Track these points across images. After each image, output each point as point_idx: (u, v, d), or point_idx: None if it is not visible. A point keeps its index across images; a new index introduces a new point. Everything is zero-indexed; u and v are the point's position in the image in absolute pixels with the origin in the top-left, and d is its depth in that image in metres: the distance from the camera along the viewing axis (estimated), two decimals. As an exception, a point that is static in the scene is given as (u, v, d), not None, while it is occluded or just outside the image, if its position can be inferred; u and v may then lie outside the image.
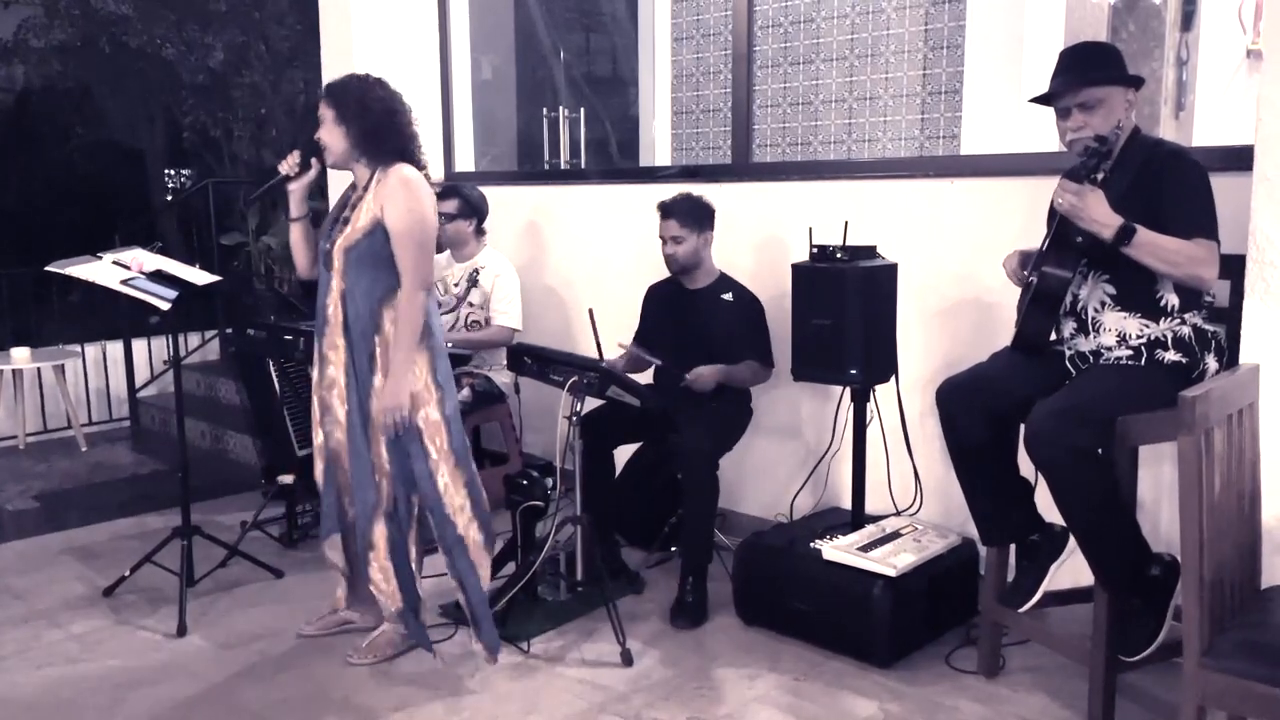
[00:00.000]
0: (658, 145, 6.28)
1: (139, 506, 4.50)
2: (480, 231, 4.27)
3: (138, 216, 10.54)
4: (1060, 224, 2.45)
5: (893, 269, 3.07)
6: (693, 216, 3.37)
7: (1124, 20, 5.47)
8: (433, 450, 2.70)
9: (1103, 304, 2.52)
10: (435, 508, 2.73)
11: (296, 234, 2.87)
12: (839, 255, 2.98)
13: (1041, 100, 2.59)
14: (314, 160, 2.78)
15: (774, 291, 3.53)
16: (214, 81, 9.63)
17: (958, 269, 3.28)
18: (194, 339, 6.26)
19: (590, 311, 3.33)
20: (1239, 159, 2.68)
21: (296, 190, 2.81)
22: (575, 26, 5.96)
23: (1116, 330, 2.50)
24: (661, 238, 3.43)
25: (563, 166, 5.73)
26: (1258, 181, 2.38)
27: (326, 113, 2.72)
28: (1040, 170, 3.03)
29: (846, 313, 2.95)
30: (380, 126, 2.65)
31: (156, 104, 10.84)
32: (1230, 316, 2.56)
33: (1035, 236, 2.76)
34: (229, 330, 5.89)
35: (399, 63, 4.89)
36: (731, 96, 3.95)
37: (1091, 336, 2.54)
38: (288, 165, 2.78)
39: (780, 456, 3.77)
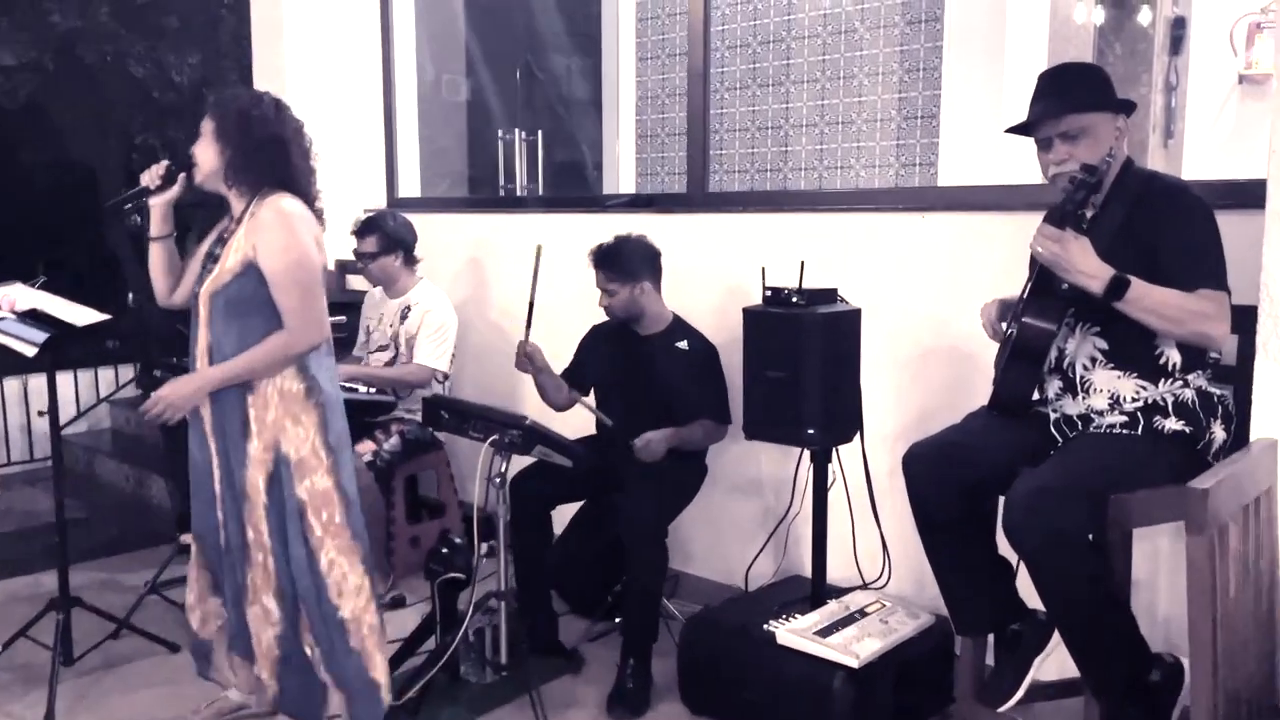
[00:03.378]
0: (621, 170, 5.95)
1: (41, 562, 4.10)
2: (410, 262, 3.92)
3: (84, 237, 10.11)
4: (1042, 270, 2.11)
5: (855, 315, 2.73)
6: (623, 267, 3.04)
7: (1110, 43, 5.18)
8: (316, 526, 2.32)
9: (1093, 360, 2.19)
10: (309, 595, 2.35)
11: (155, 256, 2.47)
12: (795, 299, 2.64)
13: (1020, 130, 2.27)
14: (182, 175, 2.40)
15: (733, 336, 3.17)
16: (182, 101, 9.23)
17: (931, 313, 2.95)
18: (127, 371, 5.87)
19: (538, 248, 3.06)
20: (1243, 195, 2.36)
21: (158, 206, 2.43)
22: (534, 45, 5.64)
23: (1109, 391, 2.17)
24: (598, 287, 3.10)
25: (519, 193, 5.41)
26: (1271, 222, 2.06)
27: (206, 125, 2.36)
28: (1023, 205, 2.71)
29: (803, 365, 2.61)
30: (261, 150, 2.29)
31: (113, 123, 10.45)
32: (1238, 377, 2.23)
33: (1018, 278, 2.43)
34: (140, 366, 5.51)
35: (336, 82, 4.55)
36: (687, 120, 3.63)
37: (1080, 398, 2.20)
38: (150, 177, 2.40)
39: (738, 516, 3.42)
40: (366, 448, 3.62)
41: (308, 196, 2.34)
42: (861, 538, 2.99)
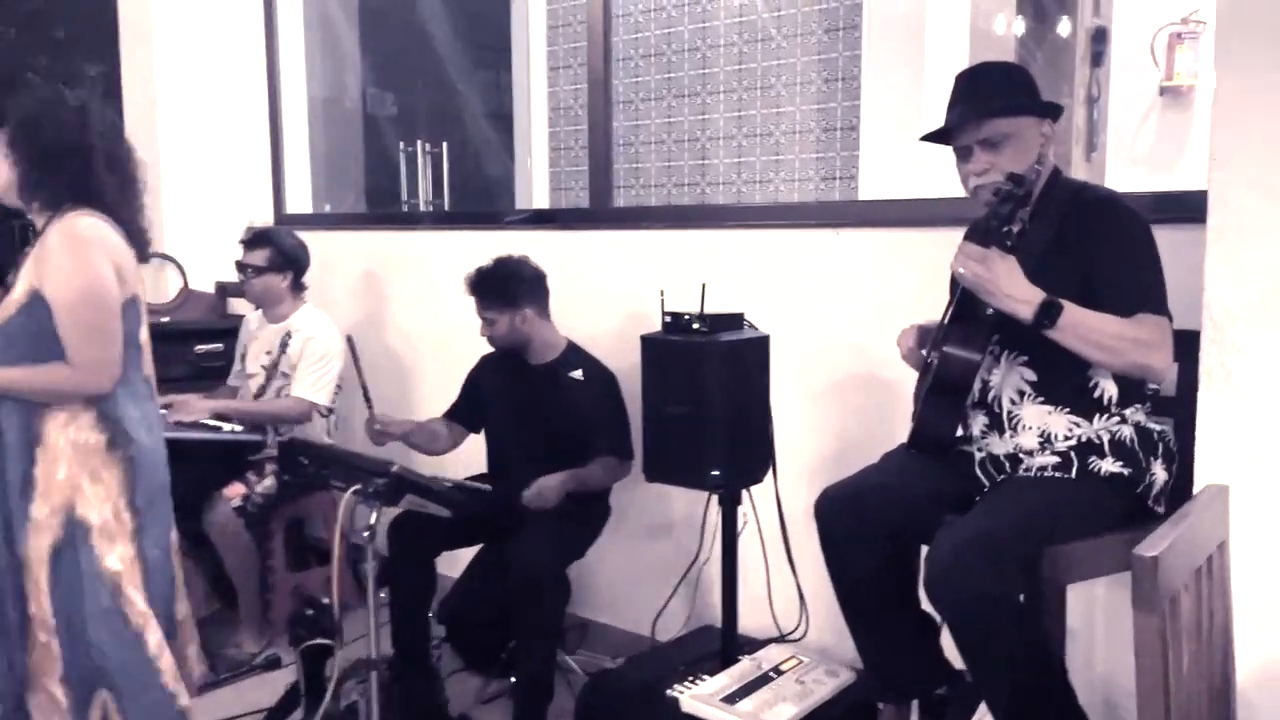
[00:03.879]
0: (535, 184, 5.67)
1: None
2: (298, 287, 3.59)
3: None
4: (964, 293, 1.88)
5: (763, 342, 2.47)
6: (499, 294, 2.76)
7: (1032, 53, 5.06)
8: (138, 600, 1.98)
9: (1020, 394, 1.96)
10: (131, 684, 1.99)
11: None
12: (696, 326, 2.37)
13: (935, 137, 2.04)
14: None
15: (637, 364, 2.90)
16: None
17: (848, 338, 2.71)
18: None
19: (349, 339, 2.81)
20: (1180, 207, 2.16)
21: None
22: (439, 53, 5.33)
23: (1038, 428, 1.94)
24: (477, 315, 2.81)
25: (421, 208, 5.09)
26: (1212, 240, 1.84)
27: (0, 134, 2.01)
28: (945, 220, 2.48)
29: (706, 399, 2.34)
30: (56, 162, 1.94)
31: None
32: (1179, 409, 2.01)
33: (942, 299, 2.20)
34: None
35: (216, 89, 4.19)
36: (589, 132, 3.36)
37: (1007, 435, 1.97)
38: None
39: (647, 560, 3.14)
40: (235, 491, 3.27)
41: (119, 215, 2.00)
42: (777, 585, 2.73)
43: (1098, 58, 5.16)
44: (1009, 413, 1.96)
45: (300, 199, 4.46)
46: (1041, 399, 1.93)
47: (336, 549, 2.33)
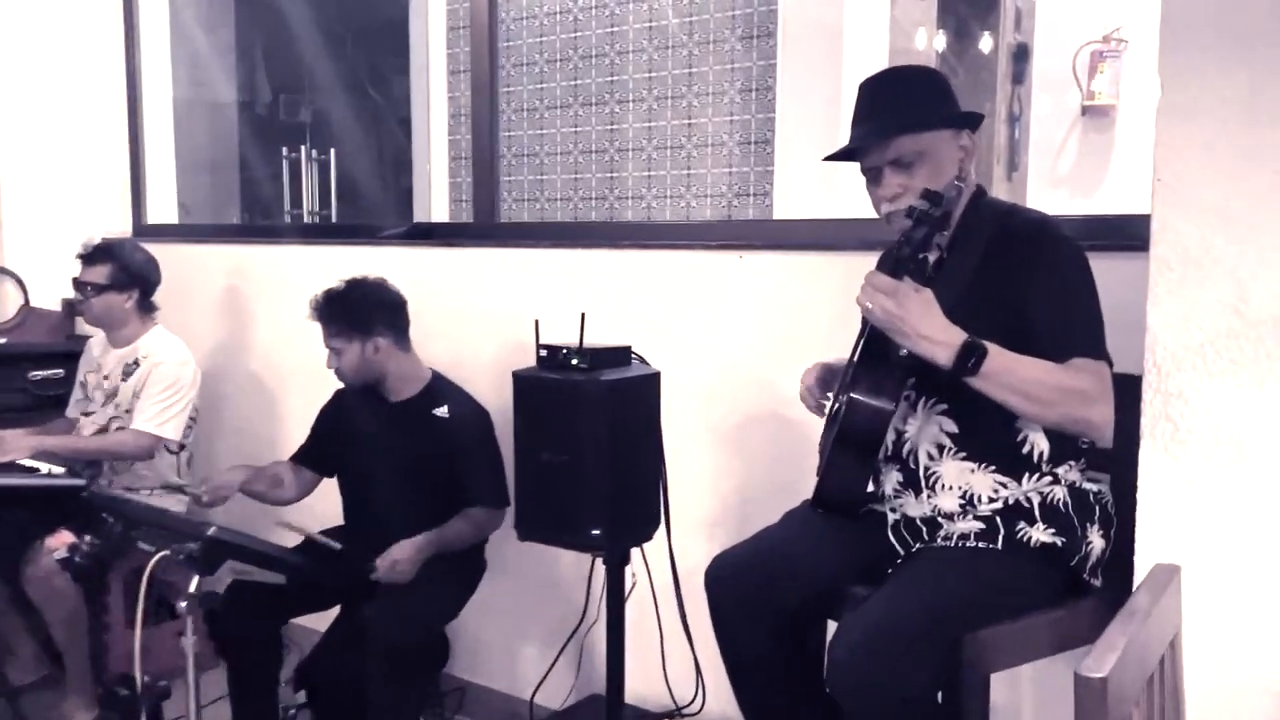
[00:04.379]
0: (434, 196, 5.32)
1: None
2: (147, 307, 3.19)
3: None
4: (874, 331, 1.60)
5: (653, 380, 2.17)
6: (347, 320, 2.43)
7: (954, 68, 4.88)
8: None
9: (940, 449, 1.69)
10: None
11: None
12: (575, 361, 2.06)
13: (841, 157, 1.77)
14: None
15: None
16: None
17: (752, 374, 2.43)
18: None
19: None
20: (1114, 232, 1.93)
21: None
22: (330, 54, 4.95)
23: (960, 488, 1.67)
24: (324, 343, 2.48)
25: (306, 220, 4.70)
26: (1156, 272, 1.59)
27: None
28: (862, 244, 2.23)
29: (586, 445, 2.03)
30: None
31: None
32: (1116, 462, 1.76)
33: (853, 337, 1.94)
34: None
35: (69, 84, 3.76)
36: (472, 141, 3.04)
37: (924, 496, 1.70)
38: None
39: (532, 617, 2.81)
40: (60, 541, 2.84)
41: None
42: (671, 651, 2.42)
43: (1019, 75, 5.02)
44: (926, 469, 1.69)
45: (164, 208, 4.05)
46: (963, 454, 1.66)
47: (139, 624, 1.95)
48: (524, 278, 2.78)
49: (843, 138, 1.85)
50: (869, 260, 2.15)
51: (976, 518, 1.65)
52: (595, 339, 2.12)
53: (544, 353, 2.11)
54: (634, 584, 2.28)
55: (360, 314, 2.40)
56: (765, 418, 2.42)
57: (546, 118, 4.98)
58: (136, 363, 3.10)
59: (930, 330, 1.47)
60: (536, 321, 2.15)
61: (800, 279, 2.35)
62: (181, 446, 3.15)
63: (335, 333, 2.42)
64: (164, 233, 3.87)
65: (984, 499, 1.65)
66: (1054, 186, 4.70)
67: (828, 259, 2.33)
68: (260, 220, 4.55)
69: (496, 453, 2.47)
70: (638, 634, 2.36)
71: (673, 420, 2.28)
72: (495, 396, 2.58)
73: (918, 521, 1.70)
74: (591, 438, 2.02)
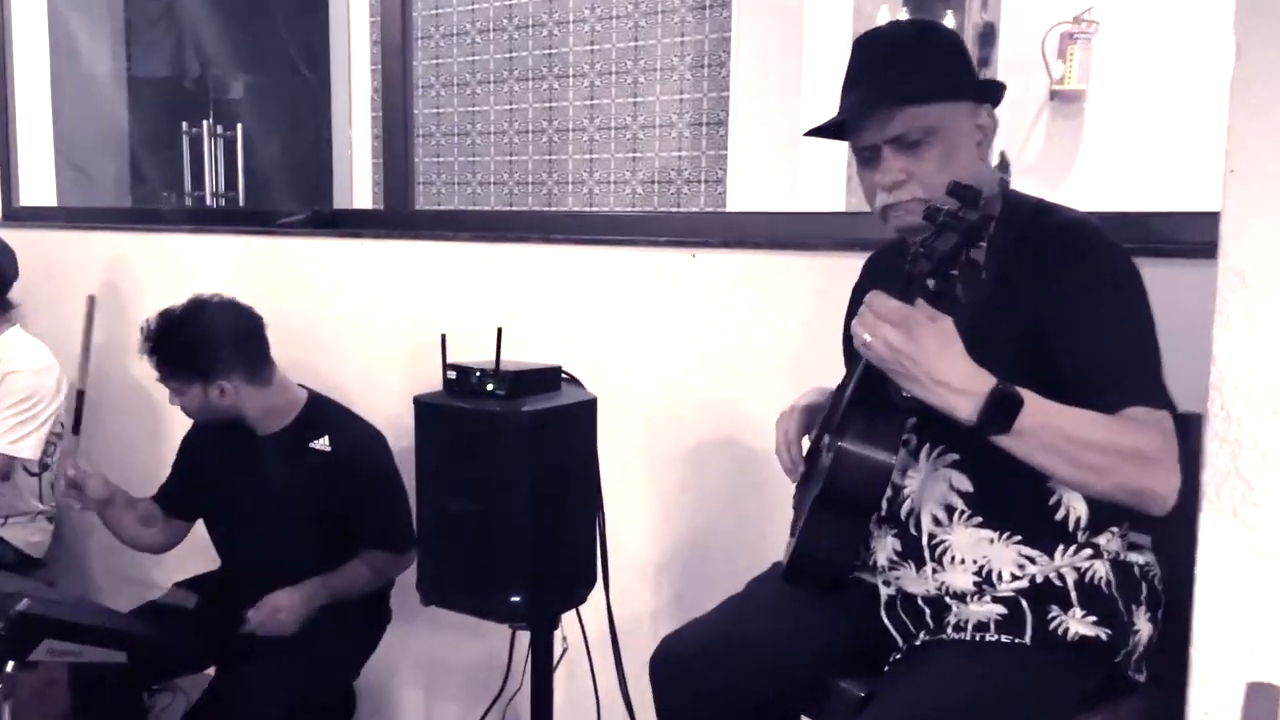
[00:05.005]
0: (355, 180, 4.85)
1: None
2: (2, 307, 2.74)
3: None
4: (869, 366, 1.23)
5: (588, 407, 1.79)
6: (178, 361, 2.03)
7: (918, 47, 4.54)
8: None
9: (949, 512, 1.33)
10: None
11: None
12: (490, 386, 1.67)
13: (828, 132, 1.40)
14: None
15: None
16: None
17: (704, 395, 2.05)
18: None
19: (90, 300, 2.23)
20: (1155, 233, 1.59)
21: None
22: (237, 17, 4.45)
23: (974, 562, 1.31)
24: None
25: (209, 202, 4.22)
26: (1226, 290, 1.24)
27: None
28: (837, 242, 1.87)
29: (503, 492, 1.64)
30: None
31: None
32: (1160, 523, 1.42)
33: (830, 347, 1.58)
34: None
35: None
36: (383, 117, 2.63)
37: (928, 570, 1.34)
38: None
39: (448, 674, 2.42)
40: None
41: None
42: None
43: (985, 58, 4.72)
44: (932, 538, 1.33)
45: (39, 189, 3.56)
46: (979, 520, 1.30)
47: None
48: (436, 278, 2.38)
49: (807, 118, 1.48)
50: (846, 262, 1.81)
51: (996, 599, 1.29)
52: (517, 356, 1.73)
53: (452, 374, 1.71)
54: (564, 650, 1.90)
55: (198, 357, 1.98)
56: (720, 445, 2.05)
57: (479, 93, 4.55)
58: (-12, 368, 2.64)
59: (949, 374, 1.10)
60: (443, 336, 1.75)
61: (764, 282, 1.98)
62: (45, 467, 2.72)
63: (169, 375, 2.01)
64: (36, 216, 3.39)
65: (1005, 576, 1.29)
66: (1020, 175, 4.39)
67: (797, 260, 1.96)
68: (153, 205, 4.06)
69: (396, 486, 2.07)
70: (570, 704, 1.98)
71: (611, 450, 1.90)
72: (400, 423, 2.18)
73: (919, 601, 1.34)
74: (510, 482, 1.63)
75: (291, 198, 4.59)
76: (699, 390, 2.05)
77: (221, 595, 2.05)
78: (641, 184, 4.23)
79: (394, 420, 2.24)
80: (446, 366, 1.72)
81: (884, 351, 1.10)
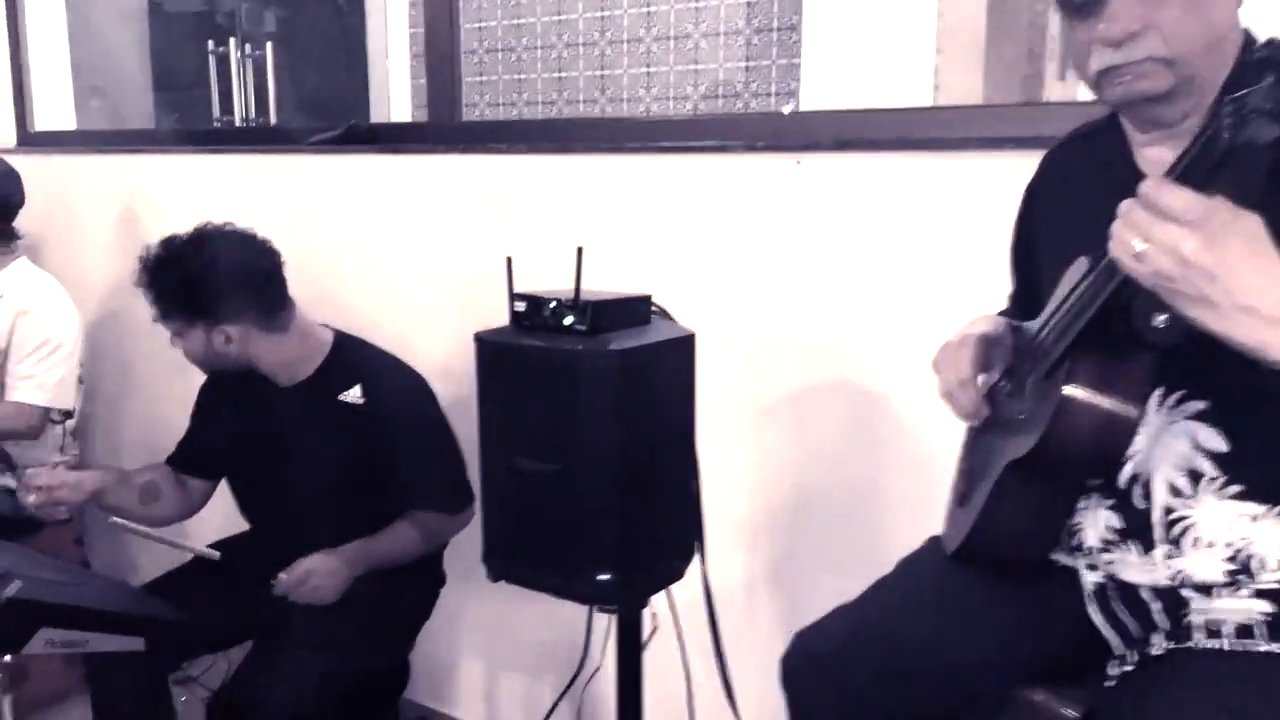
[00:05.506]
0: (393, 98, 4.52)
1: None
2: (7, 236, 2.47)
3: None
4: (1112, 292, 0.90)
5: (685, 345, 1.47)
6: (176, 301, 1.71)
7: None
8: None
9: (1194, 478, 1.00)
10: None
11: None
12: (569, 320, 1.36)
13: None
14: None
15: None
16: None
17: (818, 330, 1.72)
18: None
19: None
20: None
21: None
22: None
23: (1230, 545, 0.99)
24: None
25: (238, 124, 3.92)
26: None
27: None
28: (973, 143, 1.53)
29: (587, 448, 1.33)
30: None
31: None
32: None
33: (964, 275, 1.26)
34: None
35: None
36: (424, 19, 2.30)
37: (1160, 553, 1.01)
38: None
39: (514, 645, 2.16)
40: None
41: None
42: (703, 704, 1.77)
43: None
44: (1167, 511, 1.01)
45: (55, 112, 3.28)
46: (1237, 489, 0.98)
47: None
48: (494, 197, 2.06)
49: (890, 19, 1.14)
50: (993, 164, 1.48)
51: (1258, 594, 0.97)
52: (596, 285, 1.41)
53: (521, 306, 1.40)
54: (654, 630, 1.61)
55: (200, 295, 1.67)
56: (830, 389, 1.73)
57: (524, 5, 4.18)
58: (-10, 307, 2.39)
59: (1261, 297, 0.76)
60: (509, 259, 1.43)
61: (886, 191, 1.64)
62: (67, 415, 2.48)
63: (166, 313, 1.71)
64: (52, 141, 3.12)
65: (1272, 563, 0.97)
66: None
67: (928, 162, 1.61)
68: (177, 127, 3.77)
69: (445, 437, 1.78)
70: (654, 682, 1.70)
71: (705, 398, 1.59)
72: (457, 367, 1.88)
73: (1143, 593, 1.03)
74: (594, 436, 1.33)
75: (326, 120, 4.27)
76: (814, 325, 1.72)
77: (252, 557, 1.78)
78: (704, 99, 3.85)
79: (448, 364, 1.95)
80: (514, 296, 1.41)
81: (1168, 265, 0.77)
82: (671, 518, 1.47)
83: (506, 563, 1.44)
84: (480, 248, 2.04)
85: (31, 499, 1.67)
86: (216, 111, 4.01)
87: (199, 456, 1.89)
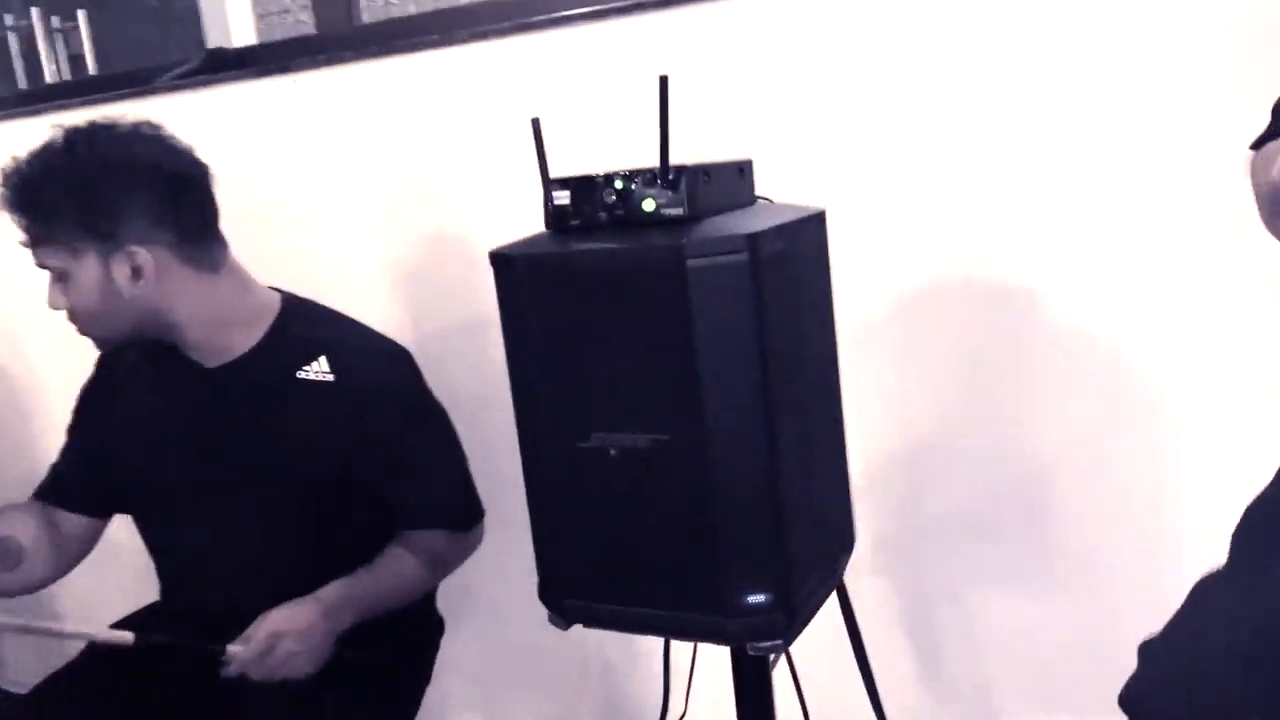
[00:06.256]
0: (231, 13, 3.76)
1: None
2: None
3: None
4: None
5: (819, 228, 0.98)
6: (65, 206, 1.12)
7: None
8: None
9: None
10: None
11: None
12: (650, 204, 0.85)
13: None
14: None
15: (476, 326, 1.39)
16: None
17: (951, 212, 1.26)
18: None
19: None
20: None
21: None
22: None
23: None
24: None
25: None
26: None
27: None
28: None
29: (712, 403, 0.83)
30: None
31: None
32: None
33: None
34: None
35: None
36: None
37: None
38: None
39: (532, 701, 1.65)
40: None
41: None
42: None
43: None
44: None
45: None
46: None
47: None
48: (429, 101, 1.52)
49: None
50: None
51: None
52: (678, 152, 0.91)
53: (562, 196, 0.88)
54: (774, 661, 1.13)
55: (91, 200, 1.10)
56: (992, 296, 1.27)
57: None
58: None
59: None
60: (535, 121, 0.90)
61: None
62: None
63: (43, 234, 1.13)
64: None
65: None
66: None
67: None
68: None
69: (443, 424, 1.26)
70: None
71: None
72: (425, 329, 1.35)
73: None
74: (725, 381, 0.83)
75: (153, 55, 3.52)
76: (939, 207, 1.25)
77: (185, 627, 1.20)
78: None
79: (403, 324, 1.42)
80: (550, 183, 0.89)
81: None
82: (829, 492, 0.98)
83: (585, 599, 0.93)
84: (417, 171, 1.51)
85: None
86: (22, 83, 3.29)
87: (82, 483, 1.29)
